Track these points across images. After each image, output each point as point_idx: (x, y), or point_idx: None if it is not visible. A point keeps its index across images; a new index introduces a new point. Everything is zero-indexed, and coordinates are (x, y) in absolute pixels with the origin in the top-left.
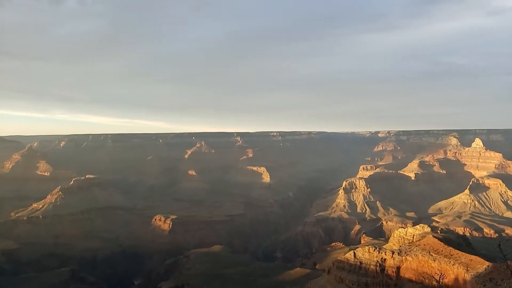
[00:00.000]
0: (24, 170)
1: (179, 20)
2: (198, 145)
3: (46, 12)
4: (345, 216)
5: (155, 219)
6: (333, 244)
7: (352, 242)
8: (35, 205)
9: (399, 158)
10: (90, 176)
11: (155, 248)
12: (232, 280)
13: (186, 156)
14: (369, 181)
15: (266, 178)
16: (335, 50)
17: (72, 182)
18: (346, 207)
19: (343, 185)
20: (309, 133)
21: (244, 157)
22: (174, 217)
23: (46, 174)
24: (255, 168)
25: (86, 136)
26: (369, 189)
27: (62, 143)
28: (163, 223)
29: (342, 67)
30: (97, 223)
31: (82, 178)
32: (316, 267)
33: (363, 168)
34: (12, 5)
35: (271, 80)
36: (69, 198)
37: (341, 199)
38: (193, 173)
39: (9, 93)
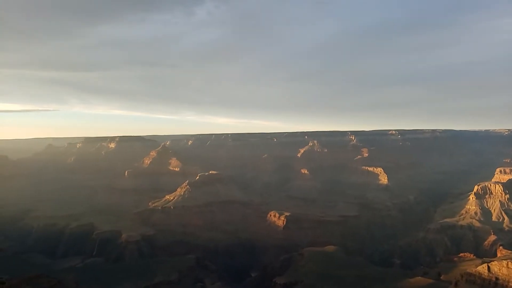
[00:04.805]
0: (159, 165)
1: (296, 22)
2: (310, 144)
3: (179, 24)
4: (477, 224)
5: (270, 215)
6: (461, 254)
7: (485, 254)
8: (168, 197)
9: None
10: (213, 172)
11: (270, 243)
12: (346, 282)
13: (299, 155)
14: (508, 186)
15: (383, 179)
16: (463, 40)
17: (197, 177)
18: (478, 214)
19: (474, 190)
20: (434, 131)
21: (359, 156)
22: (288, 214)
23: (176, 169)
24: (370, 169)
25: (210, 135)
26: (507, 195)
27: (190, 142)
28: (277, 219)
29: (472, 58)
30: (218, 215)
31: (206, 173)
32: (441, 278)
33: (501, 171)
34: (151, 20)
35: (390, 76)
36: (195, 191)
37: (471, 205)
38: (306, 171)
39: (148, 97)
